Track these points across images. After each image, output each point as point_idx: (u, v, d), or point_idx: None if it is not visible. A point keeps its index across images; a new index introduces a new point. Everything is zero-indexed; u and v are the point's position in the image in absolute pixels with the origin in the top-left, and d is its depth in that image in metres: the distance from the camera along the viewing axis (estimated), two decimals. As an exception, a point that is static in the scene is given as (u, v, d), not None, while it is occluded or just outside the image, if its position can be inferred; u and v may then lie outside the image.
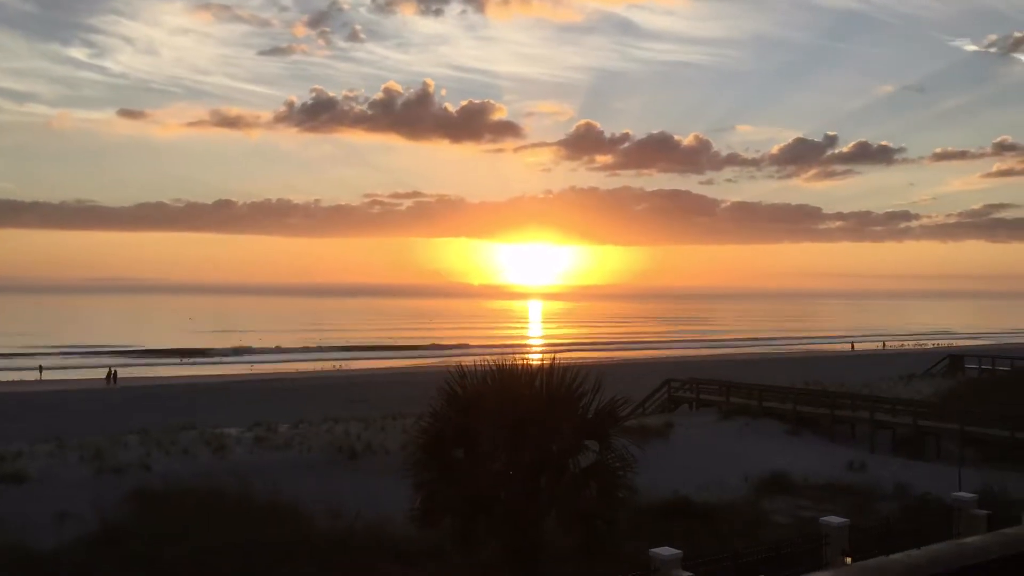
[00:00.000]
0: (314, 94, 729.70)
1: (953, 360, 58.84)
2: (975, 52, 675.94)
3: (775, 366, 78.70)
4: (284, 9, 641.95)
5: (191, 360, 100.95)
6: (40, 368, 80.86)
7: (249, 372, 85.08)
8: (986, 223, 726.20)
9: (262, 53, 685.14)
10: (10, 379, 74.30)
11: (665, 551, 13.81)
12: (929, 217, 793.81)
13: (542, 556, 12.72)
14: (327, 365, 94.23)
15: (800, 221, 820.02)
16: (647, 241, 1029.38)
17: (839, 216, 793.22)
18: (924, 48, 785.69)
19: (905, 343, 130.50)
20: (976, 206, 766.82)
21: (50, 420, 40.57)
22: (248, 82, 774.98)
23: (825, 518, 17.18)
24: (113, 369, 75.96)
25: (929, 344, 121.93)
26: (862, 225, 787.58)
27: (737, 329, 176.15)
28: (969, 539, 4.57)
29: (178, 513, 19.36)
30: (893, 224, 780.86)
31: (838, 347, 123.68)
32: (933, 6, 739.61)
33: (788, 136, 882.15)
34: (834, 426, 35.12)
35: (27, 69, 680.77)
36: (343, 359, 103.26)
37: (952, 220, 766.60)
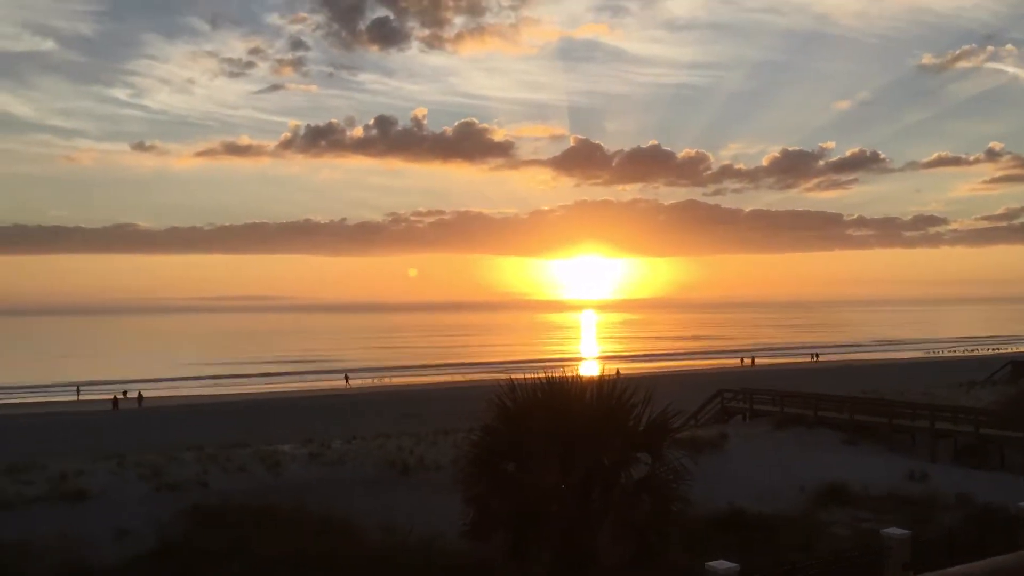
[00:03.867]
0: (331, 122, 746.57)
1: (1016, 367, 57.18)
2: (938, 64, 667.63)
3: (827, 375, 77.42)
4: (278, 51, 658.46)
5: (244, 377, 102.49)
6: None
7: (303, 389, 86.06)
8: (1018, 227, 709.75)
9: (271, 88, 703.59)
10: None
11: (721, 564, 13.60)
12: (959, 222, 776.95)
13: (594, 570, 12.61)
14: (377, 381, 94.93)
15: (823, 228, 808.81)
16: (673, 252, 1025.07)
17: (862, 222, 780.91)
18: (893, 61, 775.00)
19: (955, 350, 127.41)
20: (999, 210, 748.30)
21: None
22: (271, 114, 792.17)
23: (886, 529, 16.77)
24: (138, 391, 76.70)
25: (986, 351, 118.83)
26: (890, 230, 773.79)
27: (783, 338, 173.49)
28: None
29: (234, 529, 19.59)
30: (923, 229, 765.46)
31: (891, 355, 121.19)
32: (897, 25, 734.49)
33: (774, 149, 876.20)
34: (893, 435, 34.33)
35: (73, 108, 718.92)
36: (393, 375, 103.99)
37: (983, 225, 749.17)
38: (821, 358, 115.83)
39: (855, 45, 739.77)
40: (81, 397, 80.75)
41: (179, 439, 35.35)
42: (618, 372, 13.80)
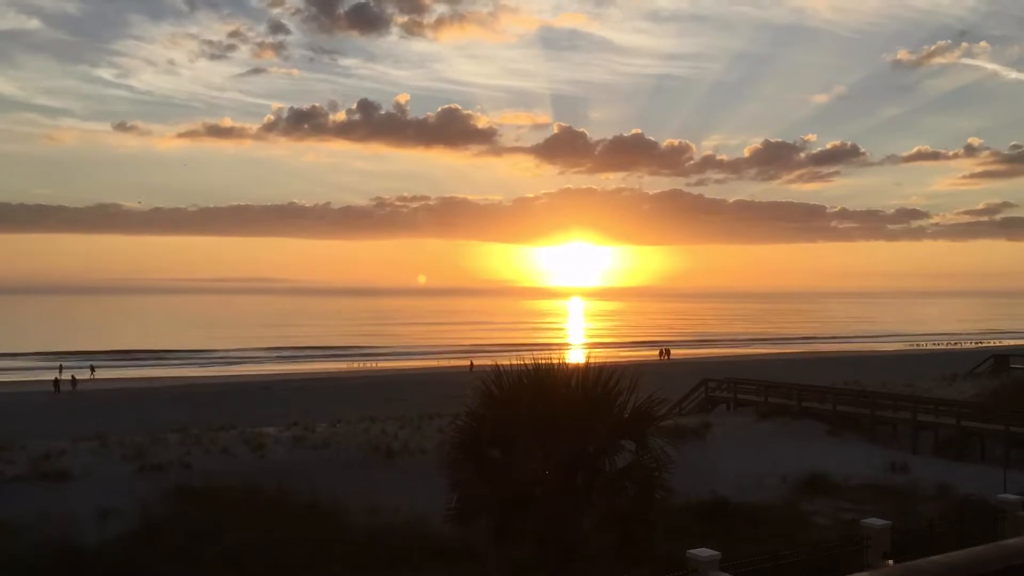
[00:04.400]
0: (311, 106, 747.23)
1: (998, 360, 57.66)
2: (913, 59, 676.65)
3: (811, 366, 77.86)
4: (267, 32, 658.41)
5: (226, 359, 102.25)
6: (92, 367, 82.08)
7: (286, 371, 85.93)
8: (1000, 222, 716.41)
9: (253, 71, 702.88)
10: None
11: (703, 552, 13.70)
12: (941, 216, 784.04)
13: (578, 556, 12.66)
14: (363, 365, 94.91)
15: (807, 220, 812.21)
16: (658, 241, 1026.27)
17: (845, 214, 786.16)
18: (869, 56, 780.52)
19: (938, 343, 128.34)
20: (979, 205, 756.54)
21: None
22: (255, 96, 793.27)
23: (867, 520, 16.92)
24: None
25: (969, 344, 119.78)
26: (873, 223, 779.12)
27: (768, 329, 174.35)
28: (1012, 540, 4.48)
29: (218, 510, 19.61)
30: (906, 222, 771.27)
31: (874, 347, 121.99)
32: (873, 20, 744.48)
33: (754, 140, 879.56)
34: (875, 427, 34.62)
35: (58, 88, 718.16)
36: (377, 358, 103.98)
37: (965, 220, 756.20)
38: (807, 348, 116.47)
39: (832, 39, 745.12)
40: (38, 377, 78.09)
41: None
42: (589, 359, 13.77)
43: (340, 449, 27.63)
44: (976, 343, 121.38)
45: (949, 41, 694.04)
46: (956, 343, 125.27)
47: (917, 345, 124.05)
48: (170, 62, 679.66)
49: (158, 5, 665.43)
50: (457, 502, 13.00)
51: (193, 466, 24.50)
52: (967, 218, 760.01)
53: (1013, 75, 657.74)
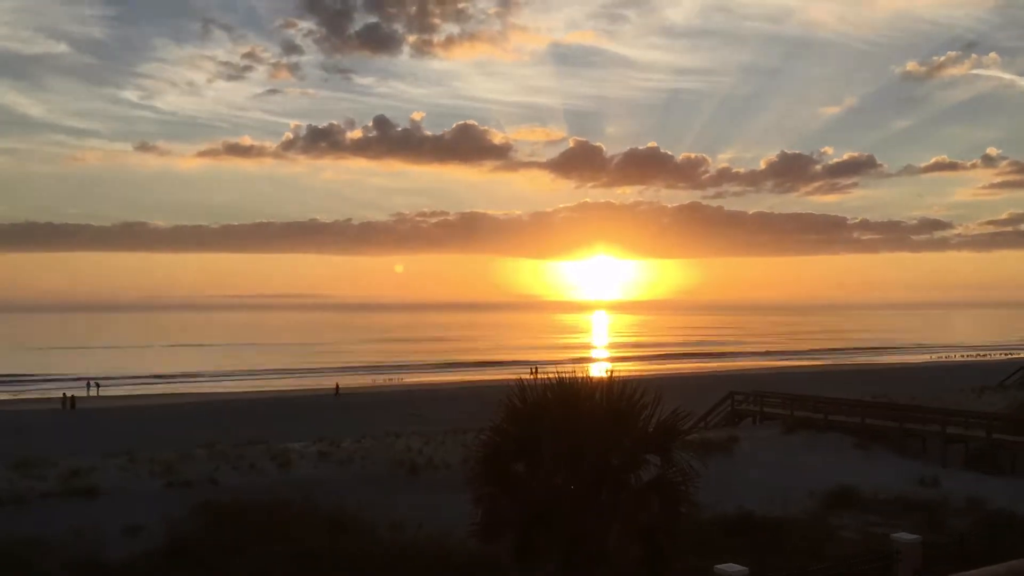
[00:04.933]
0: (327, 124, 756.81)
1: (1028, 371, 56.89)
2: (924, 70, 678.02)
3: (837, 379, 77.18)
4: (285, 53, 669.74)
5: (251, 375, 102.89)
6: (97, 385, 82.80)
7: (310, 387, 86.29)
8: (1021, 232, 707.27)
9: (270, 91, 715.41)
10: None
11: (730, 567, 13.61)
12: (964, 226, 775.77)
13: (603, 571, 12.61)
14: (388, 380, 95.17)
15: (828, 232, 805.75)
16: (679, 254, 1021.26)
17: (866, 226, 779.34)
18: (880, 68, 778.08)
19: (967, 355, 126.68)
20: (1003, 215, 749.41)
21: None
22: (273, 115, 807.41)
23: (896, 534, 16.73)
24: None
25: (999, 356, 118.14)
26: (896, 234, 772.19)
27: (793, 342, 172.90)
28: (1048, 555, 4.42)
29: (244, 526, 19.68)
30: (929, 233, 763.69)
31: (901, 359, 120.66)
32: (883, 31, 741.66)
33: (770, 153, 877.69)
34: (904, 440, 34.20)
35: (85, 110, 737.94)
36: (402, 374, 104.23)
37: (989, 230, 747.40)
38: (834, 361, 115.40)
39: (841, 51, 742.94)
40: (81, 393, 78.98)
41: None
42: (613, 373, 13.73)
43: (365, 464, 27.72)
44: (1006, 355, 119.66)
45: (959, 52, 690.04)
46: (985, 355, 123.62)
47: (944, 357, 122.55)
48: (191, 83, 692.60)
49: (181, 29, 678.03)
50: (482, 517, 12.99)
51: (220, 482, 24.68)
52: (991, 228, 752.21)
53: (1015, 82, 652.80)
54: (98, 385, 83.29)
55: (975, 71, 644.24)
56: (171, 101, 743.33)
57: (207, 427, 44.30)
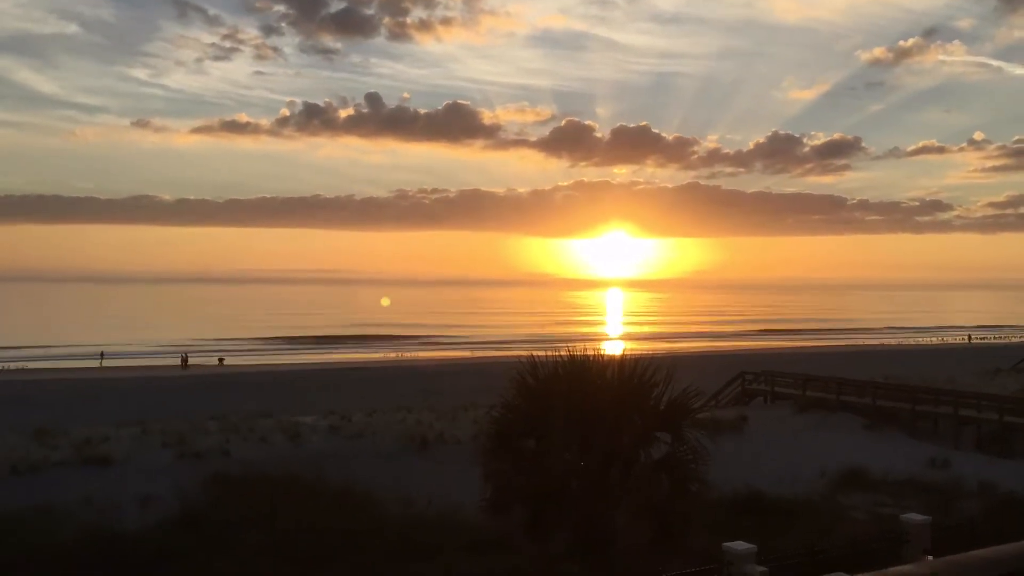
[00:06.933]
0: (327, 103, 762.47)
1: (1042, 354, 56.65)
2: (895, 56, 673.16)
3: (847, 359, 76.84)
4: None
5: (270, 349, 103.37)
6: (102, 355, 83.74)
7: (323, 361, 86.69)
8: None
9: (262, 71, 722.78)
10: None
11: (739, 545, 13.60)
12: (964, 208, 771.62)
13: (613, 548, 12.64)
14: (399, 355, 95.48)
15: (829, 212, 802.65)
16: (681, 233, 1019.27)
17: (867, 206, 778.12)
18: (854, 51, 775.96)
19: (983, 336, 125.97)
20: (1002, 197, 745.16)
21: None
22: (277, 93, 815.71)
23: (906, 515, 16.70)
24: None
25: (1013, 338, 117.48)
26: (896, 216, 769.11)
27: (802, 322, 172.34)
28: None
29: (255, 498, 19.83)
30: (932, 214, 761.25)
31: (912, 340, 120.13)
32: (862, 16, 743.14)
33: (753, 136, 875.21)
34: (915, 421, 34.12)
35: (95, 87, 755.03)
36: (414, 348, 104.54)
37: (990, 212, 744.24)
38: (845, 341, 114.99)
39: (813, 36, 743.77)
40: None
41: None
42: (624, 351, 13.72)
43: (375, 439, 27.83)
44: (1023, 337, 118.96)
45: (921, 38, 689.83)
46: (1002, 337, 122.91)
47: (958, 339, 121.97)
48: (197, 61, 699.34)
49: (185, 11, 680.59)
50: (491, 493, 13.03)
51: (231, 454, 24.84)
52: (991, 211, 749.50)
53: (1002, 69, 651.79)
54: (103, 356, 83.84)
55: (944, 56, 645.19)
56: (178, 79, 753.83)
57: (218, 399, 44.56)
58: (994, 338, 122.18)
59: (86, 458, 23.24)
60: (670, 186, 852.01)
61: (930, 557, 14.66)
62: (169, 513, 19.22)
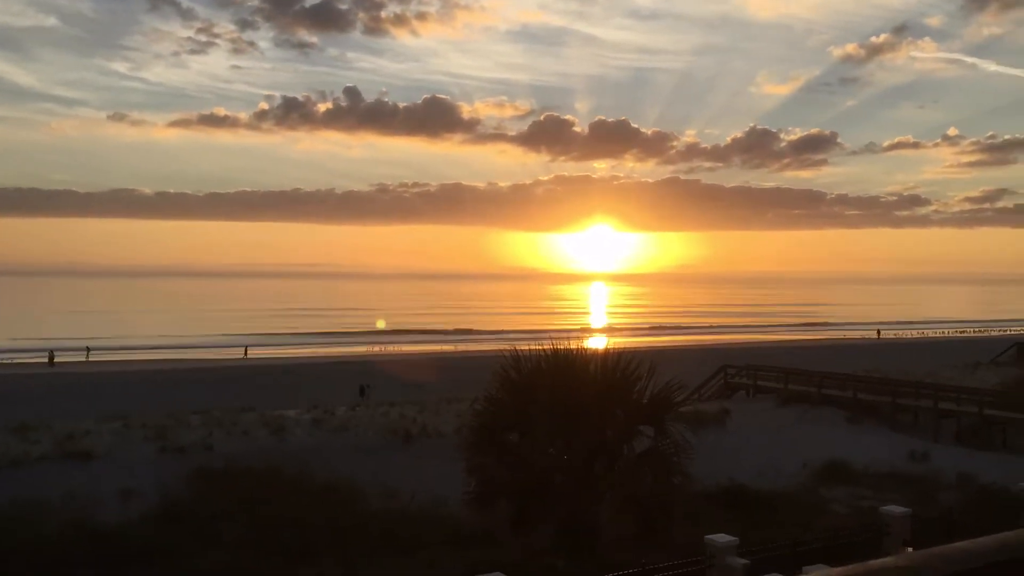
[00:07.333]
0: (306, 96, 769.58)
1: (1021, 348, 57.18)
2: (867, 53, 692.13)
3: (830, 353, 77.33)
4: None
5: (251, 344, 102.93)
6: (88, 349, 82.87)
7: (306, 355, 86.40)
8: (1001, 209, 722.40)
9: (240, 65, 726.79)
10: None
11: (721, 538, 13.68)
12: (941, 203, 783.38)
13: (596, 541, 12.69)
14: (382, 349, 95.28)
15: (809, 206, 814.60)
16: (661, 227, 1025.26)
17: (845, 201, 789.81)
18: (829, 48, 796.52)
19: (961, 330, 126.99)
20: (977, 192, 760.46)
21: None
22: (258, 87, 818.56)
23: (886, 507, 16.85)
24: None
25: (992, 332, 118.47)
26: (876, 210, 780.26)
27: (784, 316, 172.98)
28: (1038, 528, 4.42)
29: (238, 492, 19.77)
30: (911, 209, 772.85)
31: (893, 334, 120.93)
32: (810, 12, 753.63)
33: (729, 131, 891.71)
34: (896, 415, 34.39)
35: (77, 80, 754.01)
36: (398, 342, 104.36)
37: (967, 206, 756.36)
38: (827, 335, 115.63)
39: (788, 33, 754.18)
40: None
41: None
42: (608, 345, 13.71)
43: (359, 432, 27.79)
44: (1004, 331, 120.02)
45: (891, 35, 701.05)
46: (983, 331, 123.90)
47: (939, 332, 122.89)
48: (174, 55, 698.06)
49: (158, 4, 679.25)
50: (475, 486, 13.07)
51: (214, 448, 24.74)
52: (968, 205, 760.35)
53: (976, 65, 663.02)
54: (88, 350, 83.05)
55: (914, 53, 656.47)
56: (158, 72, 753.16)
57: (201, 393, 44.34)
58: (975, 332, 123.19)
59: (68, 452, 23.09)
60: (650, 180, 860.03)
61: (910, 549, 14.81)
62: (151, 507, 19.14)
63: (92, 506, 18.97)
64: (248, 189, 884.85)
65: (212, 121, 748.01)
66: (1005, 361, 54.18)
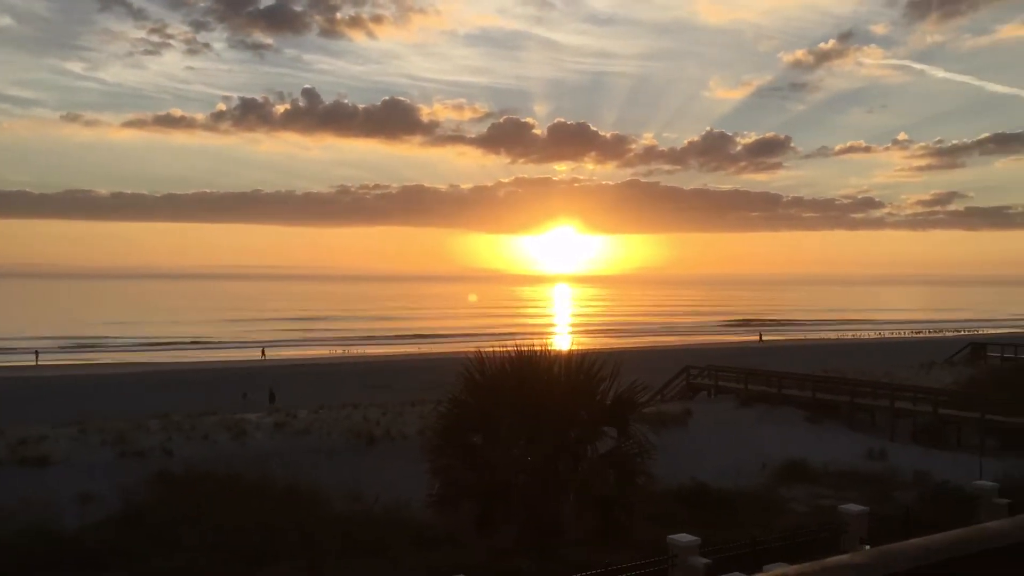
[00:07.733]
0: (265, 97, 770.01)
1: (975, 348, 58.33)
2: (815, 59, 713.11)
3: (789, 353, 78.34)
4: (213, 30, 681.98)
5: (204, 346, 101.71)
6: (36, 353, 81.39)
7: (268, 359, 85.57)
8: (952, 212, 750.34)
9: (197, 66, 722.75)
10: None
11: (683, 538, 13.81)
12: (894, 206, 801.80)
13: (560, 541, 12.76)
14: (345, 351, 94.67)
15: (767, 209, 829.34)
16: (625, 230, 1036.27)
17: (801, 203, 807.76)
18: (779, 53, 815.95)
19: (917, 331, 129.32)
20: (928, 196, 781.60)
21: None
22: (216, 88, 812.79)
23: (844, 506, 17.13)
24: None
25: (947, 332, 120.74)
26: (832, 213, 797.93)
27: (746, 316, 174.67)
28: (990, 523, 4.54)
29: (198, 496, 19.56)
30: (865, 211, 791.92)
31: (852, 334, 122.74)
32: (759, 17, 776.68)
33: (683, 134, 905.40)
34: (854, 414, 34.92)
35: (31, 80, 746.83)
36: (361, 345, 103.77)
37: (920, 209, 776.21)
38: (787, 336, 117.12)
39: (737, 38, 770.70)
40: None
41: None
42: (572, 346, 13.86)
43: (322, 435, 27.60)
44: (958, 332, 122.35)
45: (837, 42, 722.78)
46: (939, 332, 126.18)
47: (895, 333, 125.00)
48: (128, 55, 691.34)
49: (109, 4, 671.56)
50: (439, 488, 13.07)
51: (174, 452, 24.43)
52: (920, 208, 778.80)
53: (924, 72, 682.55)
54: (37, 353, 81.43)
55: (861, 59, 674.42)
56: (114, 73, 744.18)
57: (158, 397, 43.77)
58: (929, 332, 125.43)
59: (23, 458, 22.67)
60: (611, 183, 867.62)
61: (867, 546, 15.06)
62: (110, 512, 18.88)
63: (51, 511, 18.67)
64: (207, 190, 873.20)
65: (168, 122, 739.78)
66: (959, 361, 55.22)
